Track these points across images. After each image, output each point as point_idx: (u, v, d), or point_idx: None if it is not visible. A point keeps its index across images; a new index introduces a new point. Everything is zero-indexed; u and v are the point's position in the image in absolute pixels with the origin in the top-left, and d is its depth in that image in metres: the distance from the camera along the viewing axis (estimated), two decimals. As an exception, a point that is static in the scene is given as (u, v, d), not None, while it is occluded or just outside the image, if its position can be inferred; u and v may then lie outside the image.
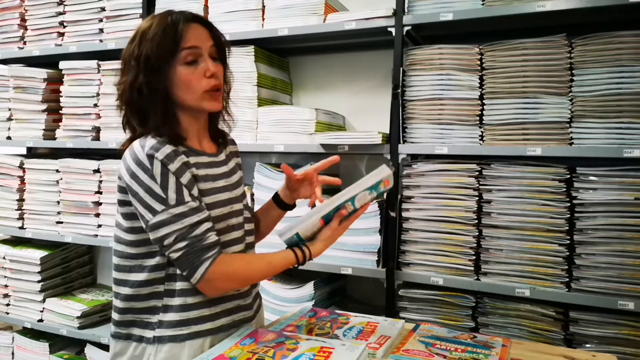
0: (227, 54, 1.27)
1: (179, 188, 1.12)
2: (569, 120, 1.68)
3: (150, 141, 1.13)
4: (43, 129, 2.57)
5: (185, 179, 1.14)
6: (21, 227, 2.63)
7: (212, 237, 1.14)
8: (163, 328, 1.17)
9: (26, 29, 2.66)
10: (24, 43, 2.67)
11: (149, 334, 1.18)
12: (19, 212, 2.63)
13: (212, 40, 1.21)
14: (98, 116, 2.46)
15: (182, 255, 1.11)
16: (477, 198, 1.78)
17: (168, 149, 1.13)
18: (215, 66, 1.20)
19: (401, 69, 1.88)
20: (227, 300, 1.23)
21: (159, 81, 1.16)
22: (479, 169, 1.78)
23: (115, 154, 2.49)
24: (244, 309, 1.28)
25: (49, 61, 2.60)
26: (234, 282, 1.19)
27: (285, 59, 2.44)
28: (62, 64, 2.52)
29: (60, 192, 2.52)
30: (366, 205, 1.26)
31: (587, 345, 1.65)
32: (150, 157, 1.11)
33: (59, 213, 2.53)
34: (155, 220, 1.10)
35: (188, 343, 1.16)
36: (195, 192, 1.15)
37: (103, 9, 2.45)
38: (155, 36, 1.15)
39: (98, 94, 2.45)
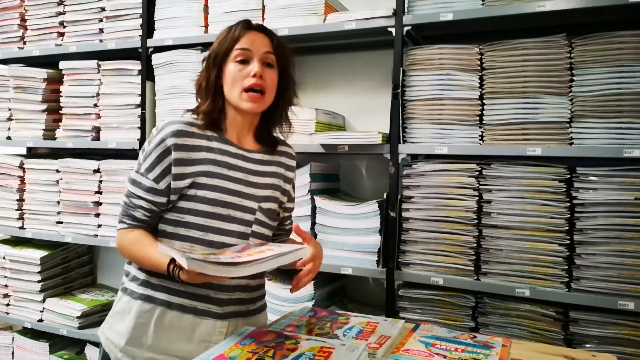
0: (288, 64, 1.35)
1: (155, 163, 1.25)
2: (569, 120, 1.68)
3: (180, 117, 1.31)
4: (43, 129, 2.58)
5: (176, 155, 1.24)
6: (21, 227, 2.63)
7: (139, 214, 1.27)
8: (131, 282, 1.32)
9: (26, 29, 2.66)
10: (24, 43, 2.67)
11: (125, 283, 1.34)
12: (19, 212, 2.63)
13: (270, 47, 1.31)
14: (98, 116, 2.46)
15: (121, 207, 1.31)
16: (477, 198, 1.78)
17: (181, 127, 1.26)
18: (265, 71, 1.29)
19: (401, 69, 1.88)
20: (196, 284, 1.24)
21: (215, 76, 1.31)
22: (479, 169, 1.78)
23: (115, 154, 2.50)
24: (212, 303, 1.28)
25: (49, 61, 2.60)
26: (124, 253, 1.31)
27: (285, 59, 2.43)
28: (62, 64, 2.52)
29: (60, 192, 2.52)
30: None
31: (587, 345, 1.65)
32: (160, 128, 1.28)
33: (59, 213, 2.54)
34: (129, 174, 1.30)
35: (139, 302, 1.28)
36: (175, 170, 1.24)
37: (103, 9, 2.45)
38: (219, 38, 1.33)
39: (98, 94, 2.45)
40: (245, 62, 1.28)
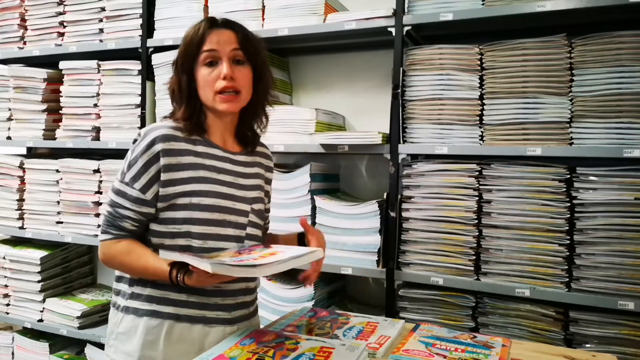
0: (259, 56, 1.31)
1: (141, 172, 1.21)
2: (569, 120, 1.68)
3: (161, 122, 1.28)
4: (43, 129, 2.58)
5: (164, 161, 1.21)
6: (21, 227, 2.63)
7: (126, 224, 1.23)
8: (132, 299, 1.27)
9: (26, 29, 2.66)
10: (24, 43, 2.67)
11: (122, 302, 1.29)
12: (19, 212, 2.63)
13: (236, 44, 1.26)
14: (98, 116, 2.46)
15: (104, 217, 1.27)
16: (477, 198, 1.78)
17: (167, 131, 1.23)
18: (236, 69, 1.26)
19: (401, 69, 1.88)
20: (203, 293, 1.24)
21: (186, 81, 1.27)
22: (479, 169, 1.78)
23: (115, 154, 2.50)
24: (221, 309, 1.27)
25: (49, 61, 2.60)
26: (113, 264, 1.27)
27: (285, 59, 2.44)
28: (62, 64, 2.52)
29: (60, 192, 2.52)
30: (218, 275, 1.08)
31: (587, 345, 1.65)
32: (144, 133, 1.24)
33: (59, 213, 2.53)
34: (113, 183, 1.27)
35: (145, 319, 1.24)
36: (164, 177, 1.21)
37: (103, 9, 2.45)
38: (185, 40, 1.28)
39: (98, 94, 2.45)
40: (213, 63, 1.25)
